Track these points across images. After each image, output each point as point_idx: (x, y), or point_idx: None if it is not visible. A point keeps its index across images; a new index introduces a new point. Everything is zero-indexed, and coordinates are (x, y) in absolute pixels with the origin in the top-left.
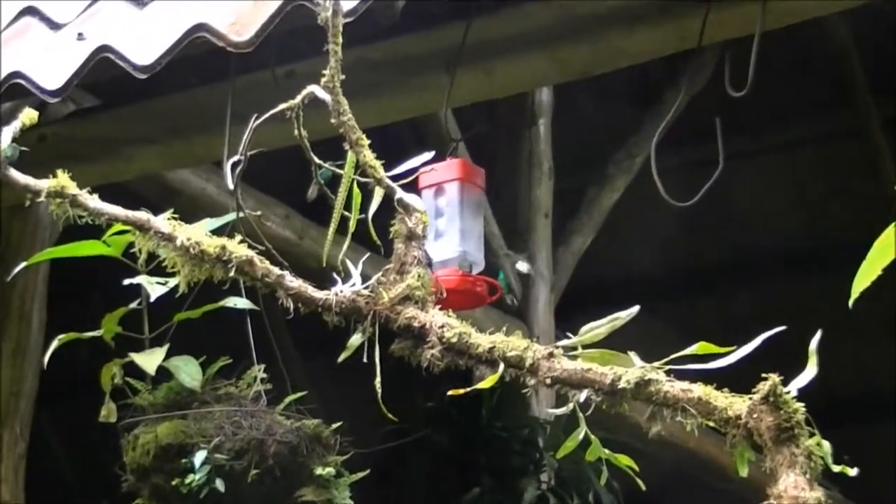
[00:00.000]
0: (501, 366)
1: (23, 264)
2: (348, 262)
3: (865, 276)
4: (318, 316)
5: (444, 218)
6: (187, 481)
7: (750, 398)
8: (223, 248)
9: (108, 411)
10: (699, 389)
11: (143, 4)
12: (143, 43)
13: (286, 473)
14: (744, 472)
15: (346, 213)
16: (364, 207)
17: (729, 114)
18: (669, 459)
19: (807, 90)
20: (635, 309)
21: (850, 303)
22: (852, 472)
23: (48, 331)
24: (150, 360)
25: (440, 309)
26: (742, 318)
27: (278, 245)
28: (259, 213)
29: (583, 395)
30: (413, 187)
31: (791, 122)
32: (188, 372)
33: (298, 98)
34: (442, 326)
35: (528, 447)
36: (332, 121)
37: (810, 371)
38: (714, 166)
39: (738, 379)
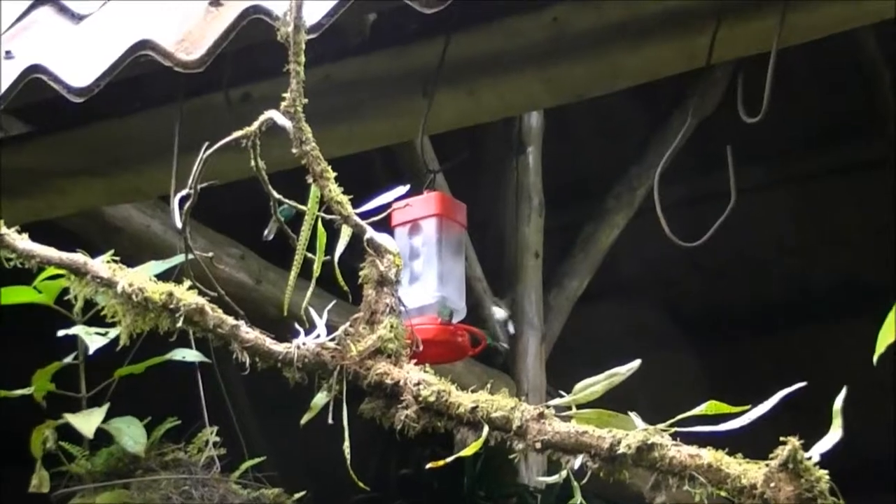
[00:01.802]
0: (486, 428)
1: None
2: (312, 311)
3: (891, 330)
4: (278, 372)
5: (421, 259)
6: None
7: (766, 464)
8: (170, 294)
9: (40, 480)
10: (709, 455)
11: (78, 19)
12: (80, 62)
13: None
14: None
15: (310, 255)
16: (330, 248)
17: (742, 141)
18: None
19: (830, 115)
20: (636, 363)
21: (875, 359)
22: None
23: None
24: (87, 422)
25: (416, 363)
26: (758, 370)
27: (233, 290)
28: (211, 254)
29: (578, 462)
30: (385, 225)
31: (811, 151)
32: (131, 435)
33: (255, 124)
34: (418, 383)
35: None
36: (294, 150)
37: (835, 433)
38: (725, 200)
39: (753, 442)
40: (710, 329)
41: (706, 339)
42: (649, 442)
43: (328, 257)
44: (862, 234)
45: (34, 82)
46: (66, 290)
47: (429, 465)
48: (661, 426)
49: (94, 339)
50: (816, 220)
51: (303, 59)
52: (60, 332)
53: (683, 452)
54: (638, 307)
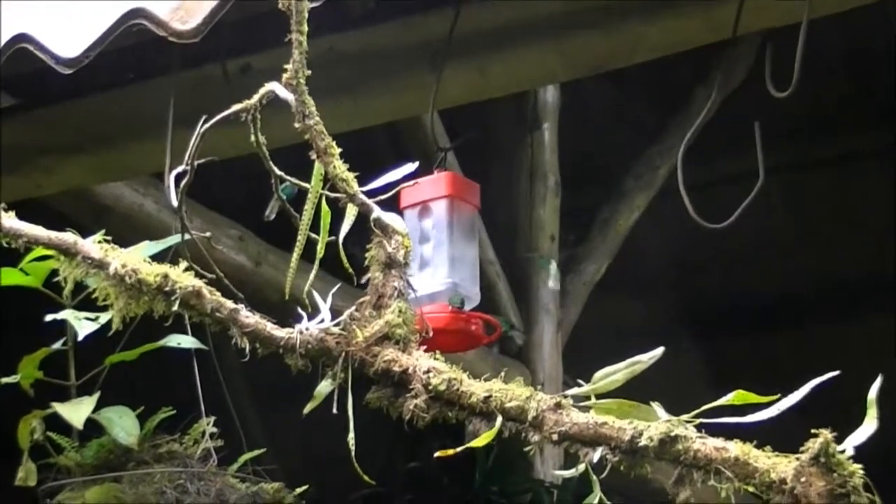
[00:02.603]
0: (499, 419)
1: None
2: (315, 294)
3: None
4: (280, 358)
5: (431, 243)
6: None
7: (797, 458)
8: (165, 276)
9: (27, 473)
10: (736, 448)
11: None
12: (69, 32)
13: None
14: None
15: (313, 236)
16: (334, 229)
17: (770, 118)
18: None
19: (864, 92)
20: (659, 351)
21: None
22: None
23: None
24: (77, 412)
25: (425, 351)
26: (788, 361)
27: (231, 273)
28: (208, 234)
29: (596, 454)
30: (393, 205)
31: (844, 130)
32: (123, 426)
33: (255, 97)
34: (427, 371)
35: None
36: (296, 125)
37: (869, 426)
38: (752, 180)
39: (782, 434)
40: (733, 317)
41: (729, 327)
42: (673, 434)
43: (332, 238)
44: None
45: (20, 52)
46: (55, 272)
47: (437, 454)
48: (684, 417)
49: (84, 325)
50: (844, 204)
51: (305, 28)
52: (49, 317)
53: (709, 445)
54: (659, 293)
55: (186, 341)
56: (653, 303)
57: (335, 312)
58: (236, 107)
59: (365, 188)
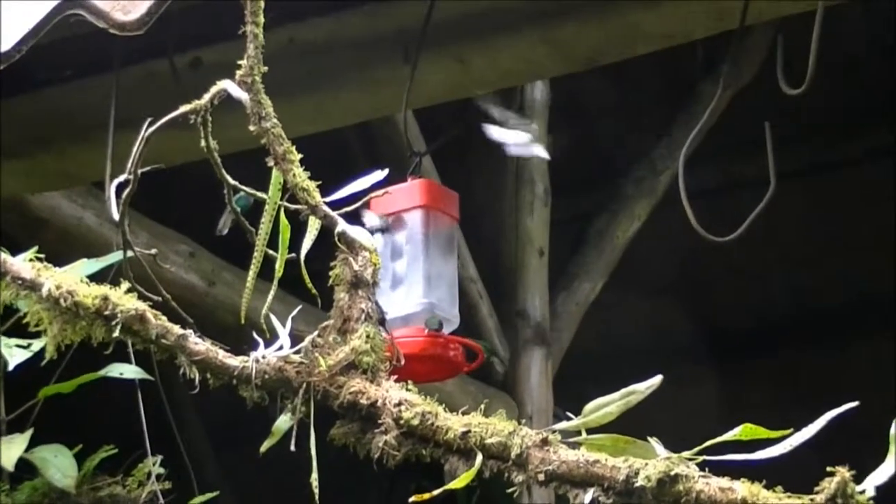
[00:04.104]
0: (479, 457)
1: None
2: (273, 318)
3: None
4: (234, 390)
5: (404, 259)
6: None
7: (811, 499)
8: (105, 299)
9: None
10: (743, 488)
11: None
12: (1, 24)
13: None
14: None
15: (272, 252)
16: (295, 244)
17: (783, 117)
18: None
19: (886, 87)
20: (657, 379)
21: None
22: None
23: None
24: (7, 451)
25: (397, 381)
26: (803, 388)
27: (181, 294)
28: (154, 251)
29: (588, 496)
30: (361, 218)
31: (861, 130)
32: (59, 466)
33: (206, 97)
34: (399, 404)
35: None
36: (251, 128)
37: (891, 464)
38: (763, 188)
39: (796, 471)
40: (744, 340)
41: (740, 351)
42: (673, 473)
43: (293, 255)
44: None
45: None
46: None
47: (412, 500)
48: (686, 454)
49: (14, 353)
50: (872, 209)
51: (262, 19)
52: None
53: (713, 485)
54: (661, 314)
55: (129, 371)
56: (654, 325)
57: (296, 338)
58: (185, 107)
59: (329, 198)
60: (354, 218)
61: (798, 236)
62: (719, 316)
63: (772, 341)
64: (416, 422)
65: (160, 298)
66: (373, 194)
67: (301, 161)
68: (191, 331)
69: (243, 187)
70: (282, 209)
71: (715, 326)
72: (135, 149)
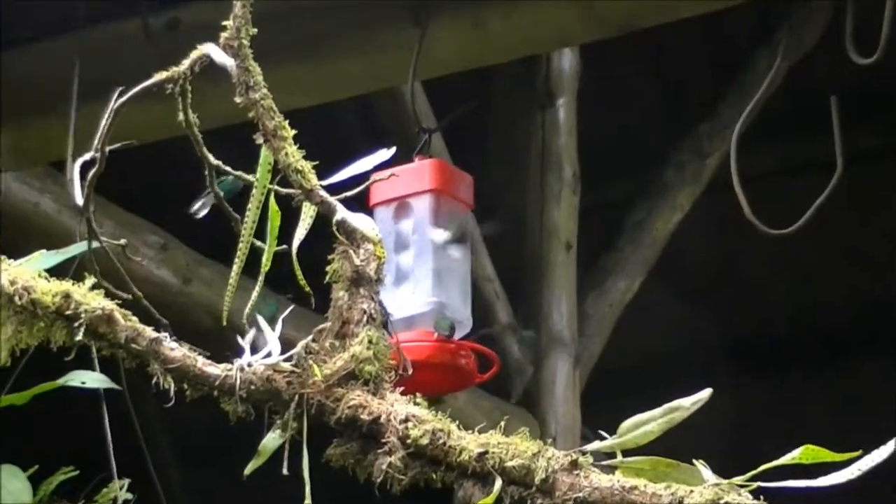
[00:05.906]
0: (498, 482)
1: None
2: (261, 319)
3: None
4: (215, 402)
5: (411, 251)
6: None
7: None
8: (67, 296)
9: None
10: None
11: None
12: None
13: None
14: None
15: (259, 244)
16: (286, 234)
17: (852, 92)
18: None
19: None
20: (706, 393)
21: None
22: None
23: None
24: None
25: (403, 393)
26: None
27: (152, 292)
28: (123, 242)
29: None
30: (363, 203)
31: None
32: (11, 490)
33: (185, 64)
34: (406, 420)
35: None
36: (238, 99)
37: None
38: (828, 172)
39: (864, 500)
40: (804, 347)
41: (799, 360)
42: (722, 501)
43: (283, 246)
44: None
45: None
46: None
47: None
48: (738, 480)
49: None
50: None
51: None
52: None
53: None
54: (706, 316)
55: (93, 380)
56: (698, 329)
57: (287, 343)
58: (161, 75)
59: (326, 181)
60: (356, 204)
61: (862, 229)
62: (772, 318)
63: (830, 348)
64: (425, 441)
65: (130, 296)
66: (376, 176)
67: (295, 138)
68: (165, 334)
69: (227, 168)
70: (272, 193)
71: (768, 330)
72: (102, 123)
